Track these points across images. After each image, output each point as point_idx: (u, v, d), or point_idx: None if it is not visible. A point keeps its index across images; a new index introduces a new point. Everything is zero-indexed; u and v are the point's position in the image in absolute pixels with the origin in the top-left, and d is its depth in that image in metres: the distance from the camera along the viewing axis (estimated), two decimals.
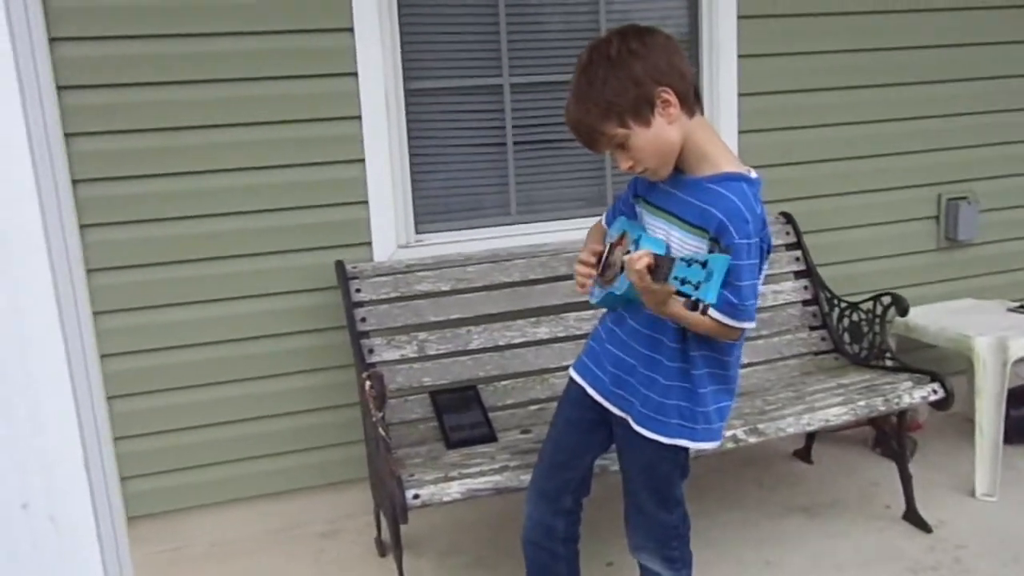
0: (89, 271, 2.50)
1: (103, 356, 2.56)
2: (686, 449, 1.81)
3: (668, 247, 1.68)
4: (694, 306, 1.48)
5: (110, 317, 2.56)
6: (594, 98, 1.61)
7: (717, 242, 1.61)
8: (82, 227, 2.48)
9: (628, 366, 1.81)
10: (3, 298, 0.94)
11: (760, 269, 1.67)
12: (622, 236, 1.80)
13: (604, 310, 1.95)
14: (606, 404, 1.87)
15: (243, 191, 2.63)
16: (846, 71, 3.17)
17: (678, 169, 1.70)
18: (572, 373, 1.97)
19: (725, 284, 1.56)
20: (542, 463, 2.01)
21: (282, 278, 2.71)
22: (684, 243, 1.67)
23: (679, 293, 1.49)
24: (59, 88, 2.40)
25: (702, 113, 1.71)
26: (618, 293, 1.74)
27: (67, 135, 2.43)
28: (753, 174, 1.68)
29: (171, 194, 2.57)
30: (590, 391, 1.90)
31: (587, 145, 1.70)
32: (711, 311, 1.60)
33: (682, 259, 1.48)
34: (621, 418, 1.84)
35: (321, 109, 2.65)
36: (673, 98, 1.60)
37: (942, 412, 2.72)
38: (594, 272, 1.83)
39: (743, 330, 1.68)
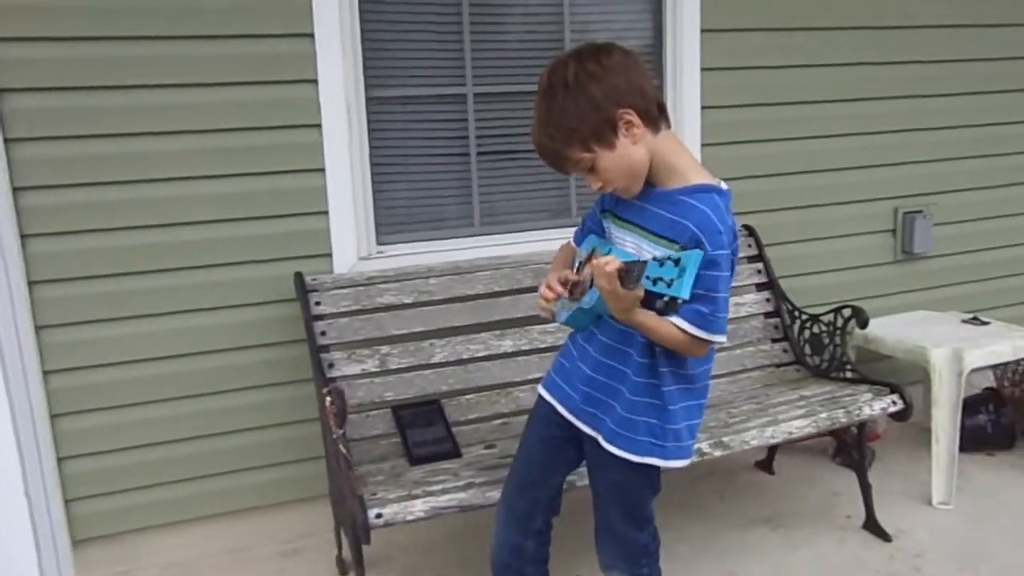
0: (32, 283, 2.40)
1: (48, 372, 2.45)
2: (657, 467, 1.78)
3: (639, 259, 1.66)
4: (667, 306, 1.48)
5: (56, 331, 2.45)
6: (555, 124, 1.60)
7: None
8: (24, 237, 2.37)
9: (599, 384, 1.78)
10: None
11: (728, 284, 1.65)
12: (591, 254, 1.77)
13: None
14: (576, 422, 1.84)
15: (198, 200, 2.55)
16: (807, 86, 3.21)
17: (647, 183, 1.68)
18: (541, 390, 1.94)
19: (699, 297, 1.56)
20: (511, 482, 1.97)
21: (239, 290, 2.63)
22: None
23: (652, 294, 1.49)
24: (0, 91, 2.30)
25: (668, 126, 1.68)
26: (587, 307, 1.71)
27: (7, 140, 2.32)
28: (724, 186, 1.67)
29: (121, 203, 2.47)
30: (560, 409, 1.87)
31: (555, 168, 1.68)
32: (679, 321, 1.59)
33: (654, 259, 1.48)
34: (591, 436, 1.80)
35: (280, 116, 2.58)
36: (635, 118, 1.59)
37: (901, 422, 2.76)
38: (561, 295, 1.77)
39: (710, 345, 1.66)
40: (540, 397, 1.93)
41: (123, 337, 2.53)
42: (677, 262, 1.45)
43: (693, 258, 1.45)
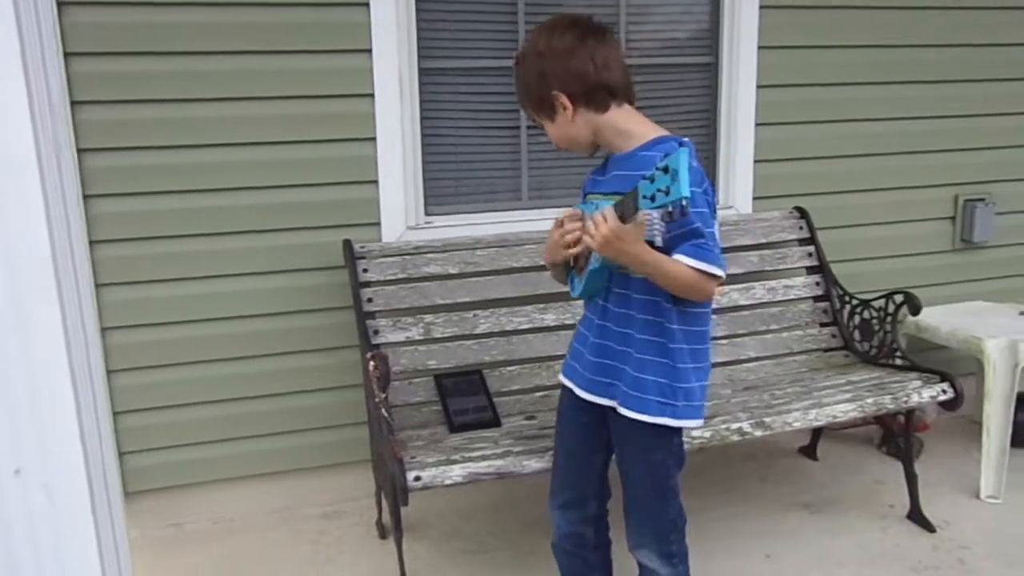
0: (93, 243, 2.49)
1: (106, 329, 2.55)
2: (678, 434, 1.80)
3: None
4: (680, 213, 1.45)
5: (114, 290, 2.54)
6: (516, 89, 1.83)
7: None
8: (86, 198, 2.46)
9: (610, 351, 1.80)
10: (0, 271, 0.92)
11: (711, 221, 1.69)
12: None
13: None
14: (591, 397, 1.85)
15: (251, 166, 2.60)
16: (867, 67, 3.13)
17: (612, 152, 1.78)
18: (561, 378, 1.96)
19: (687, 234, 1.62)
20: (557, 474, 2.01)
21: (289, 255, 2.68)
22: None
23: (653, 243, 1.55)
24: (66, 55, 2.37)
25: (630, 103, 1.75)
26: (596, 267, 1.73)
27: (73, 103, 2.40)
28: (685, 139, 1.70)
29: (178, 167, 2.54)
30: (577, 391, 1.89)
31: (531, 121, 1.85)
32: (684, 258, 1.62)
33: (642, 178, 1.48)
34: (609, 407, 1.81)
35: (334, 85, 2.62)
36: (567, 101, 1.71)
37: (950, 413, 2.70)
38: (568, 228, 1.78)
39: (716, 282, 1.68)
40: (562, 385, 1.95)
41: (177, 297, 2.61)
42: (666, 170, 1.43)
43: (681, 157, 1.41)
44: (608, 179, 1.77)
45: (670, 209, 1.47)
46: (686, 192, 1.42)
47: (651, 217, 1.50)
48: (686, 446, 1.88)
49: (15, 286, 0.92)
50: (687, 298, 1.70)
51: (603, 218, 1.61)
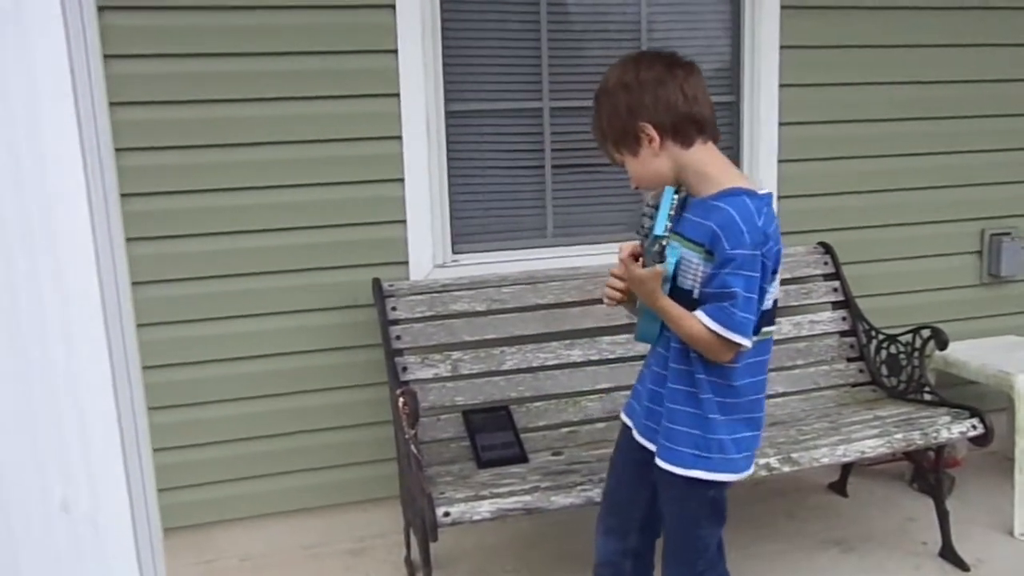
0: (132, 284, 2.56)
1: (143, 368, 2.61)
2: (716, 488, 1.75)
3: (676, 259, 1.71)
4: (658, 254, 1.60)
5: (149, 329, 2.59)
6: (596, 123, 1.76)
7: (712, 254, 1.62)
8: (126, 240, 2.54)
9: (655, 396, 1.80)
10: (53, 312, 0.97)
11: (762, 287, 1.63)
12: None
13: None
14: (641, 440, 1.85)
15: (284, 208, 2.67)
16: (889, 103, 3.16)
17: (693, 194, 1.72)
18: (621, 414, 1.97)
19: (719, 295, 1.61)
20: (605, 500, 2.02)
21: (320, 294, 2.74)
22: (689, 261, 1.67)
23: (681, 294, 1.65)
24: (109, 104, 2.46)
25: (714, 140, 1.71)
26: (640, 310, 1.78)
27: (117, 150, 2.49)
28: (762, 190, 1.68)
29: (213, 209, 2.62)
30: (634, 432, 1.89)
31: (609, 159, 1.81)
32: (700, 314, 1.62)
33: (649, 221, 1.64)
34: (652, 451, 1.81)
35: (363, 129, 2.69)
36: (654, 133, 1.66)
37: (981, 449, 2.68)
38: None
39: (738, 349, 1.63)
40: (622, 421, 1.96)
41: (210, 337, 2.67)
42: (656, 207, 1.57)
43: (665, 195, 1.57)
44: (682, 221, 1.70)
45: (655, 246, 1.59)
46: (659, 231, 1.56)
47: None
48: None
49: (66, 325, 0.97)
50: (704, 355, 1.67)
51: (621, 251, 1.67)
